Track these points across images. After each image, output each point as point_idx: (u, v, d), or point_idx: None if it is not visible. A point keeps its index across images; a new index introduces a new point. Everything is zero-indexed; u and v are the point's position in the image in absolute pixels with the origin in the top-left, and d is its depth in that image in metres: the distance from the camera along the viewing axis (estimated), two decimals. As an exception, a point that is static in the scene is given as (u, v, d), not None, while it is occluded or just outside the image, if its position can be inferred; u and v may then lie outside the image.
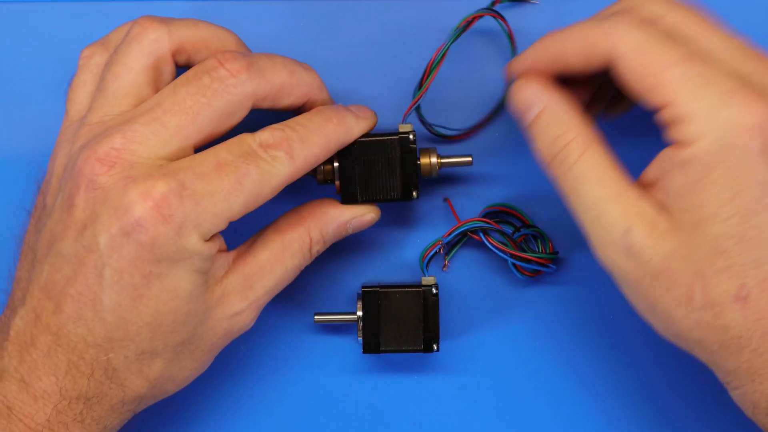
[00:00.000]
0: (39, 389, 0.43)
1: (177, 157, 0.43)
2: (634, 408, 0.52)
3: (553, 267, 0.51)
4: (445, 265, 0.52)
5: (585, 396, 0.52)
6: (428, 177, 0.49)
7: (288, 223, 0.47)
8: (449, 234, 0.50)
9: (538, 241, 0.52)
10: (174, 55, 0.46)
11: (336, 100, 0.49)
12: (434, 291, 0.49)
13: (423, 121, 0.51)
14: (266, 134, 0.44)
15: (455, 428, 0.52)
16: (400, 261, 0.52)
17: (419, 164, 0.49)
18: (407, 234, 0.52)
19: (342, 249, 0.52)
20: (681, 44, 0.40)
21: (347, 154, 0.48)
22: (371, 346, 0.49)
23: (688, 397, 0.52)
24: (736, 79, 0.39)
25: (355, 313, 0.50)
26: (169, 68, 0.46)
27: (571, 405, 0.52)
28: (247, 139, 0.44)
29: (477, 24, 0.50)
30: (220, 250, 0.44)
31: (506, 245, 0.50)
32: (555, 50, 0.43)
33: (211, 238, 0.43)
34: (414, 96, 0.50)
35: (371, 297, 0.49)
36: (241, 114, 0.44)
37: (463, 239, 0.52)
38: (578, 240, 0.52)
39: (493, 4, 0.51)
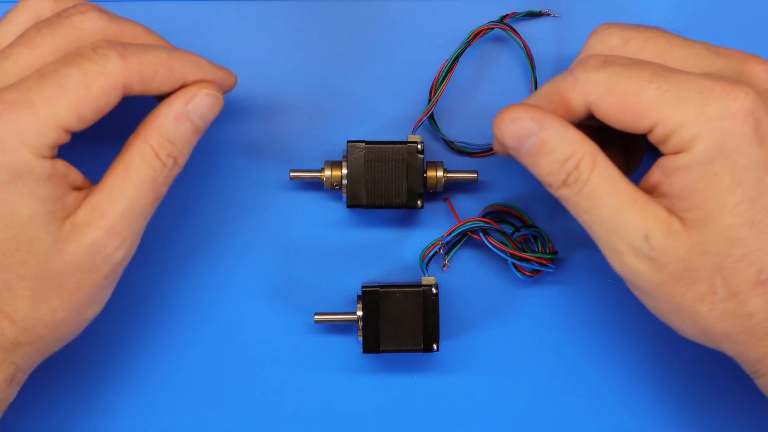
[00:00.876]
0: None
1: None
2: (634, 408, 0.52)
3: (553, 267, 0.51)
4: (445, 265, 0.52)
5: (585, 396, 0.52)
6: (433, 190, 0.50)
7: (126, 144, 0.44)
8: (449, 234, 0.51)
9: (537, 241, 0.52)
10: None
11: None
12: (434, 291, 0.49)
13: (439, 134, 0.52)
14: (104, 42, 0.42)
15: (455, 428, 0.52)
16: (400, 261, 0.52)
17: (425, 177, 0.50)
18: (407, 234, 0.52)
19: (342, 249, 0.52)
20: (648, 65, 0.41)
21: (355, 159, 0.49)
22: (371, 346, 0.49)
23: (688, 397, 0.52)
24: (708, 77, 0.40)
25: (355, 313, 0.50)
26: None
27: (571, 405, 0.52)
28: (82, 47, 0.42)
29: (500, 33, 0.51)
30: (66, 180, 0.42)
31: (506, 245, 0.50)
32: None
33: (51, 158, 0.41)
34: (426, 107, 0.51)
35: (371, 297, 0.49)
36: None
37: (463, 239, 0.52)
38: (578, 240, 0.52)
39: (504, 17, 0.51)
